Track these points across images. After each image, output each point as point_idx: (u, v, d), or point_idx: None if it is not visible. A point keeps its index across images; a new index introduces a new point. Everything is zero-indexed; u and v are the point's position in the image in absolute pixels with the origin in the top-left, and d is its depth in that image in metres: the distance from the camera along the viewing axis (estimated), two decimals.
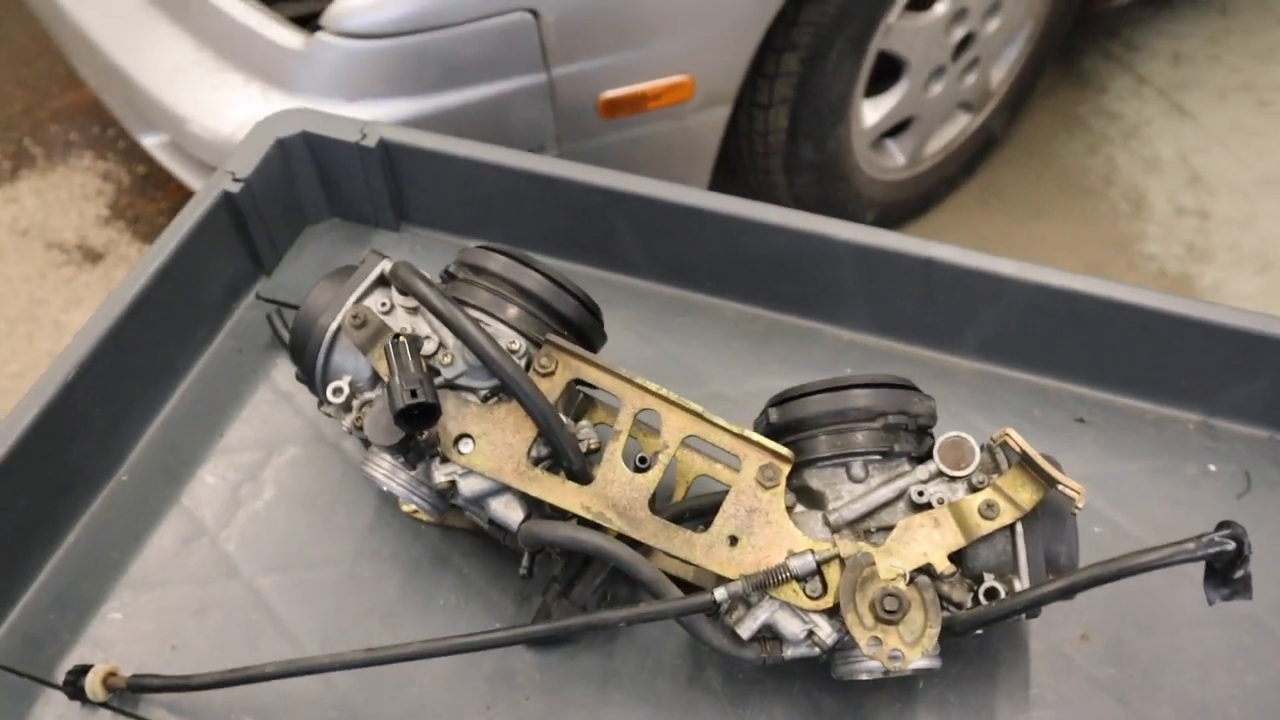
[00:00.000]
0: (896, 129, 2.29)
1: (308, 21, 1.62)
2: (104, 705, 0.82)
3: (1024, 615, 0.76)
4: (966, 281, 0.97)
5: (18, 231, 2.67)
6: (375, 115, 1.58)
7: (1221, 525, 0.70)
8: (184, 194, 2.01)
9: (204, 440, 0.97)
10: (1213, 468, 0.97)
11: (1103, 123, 2.74)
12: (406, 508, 0.91)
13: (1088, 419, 1.00)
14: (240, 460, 0.96)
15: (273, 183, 1.05)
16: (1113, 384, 1.01)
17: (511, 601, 0.88)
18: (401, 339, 0.76)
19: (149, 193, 2.70)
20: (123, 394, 0.95)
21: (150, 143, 2.06)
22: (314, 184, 1.09)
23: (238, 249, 1.04)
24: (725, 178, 2.13)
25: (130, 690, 0.81)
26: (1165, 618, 0.88)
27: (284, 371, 1.02)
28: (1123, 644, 0.87)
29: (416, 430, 0.74)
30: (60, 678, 0.83)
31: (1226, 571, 0.71)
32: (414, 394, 0.71)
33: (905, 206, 2.47)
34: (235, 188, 1.00)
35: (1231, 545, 0.69)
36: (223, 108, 1.61)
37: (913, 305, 1.01)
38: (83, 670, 0.82)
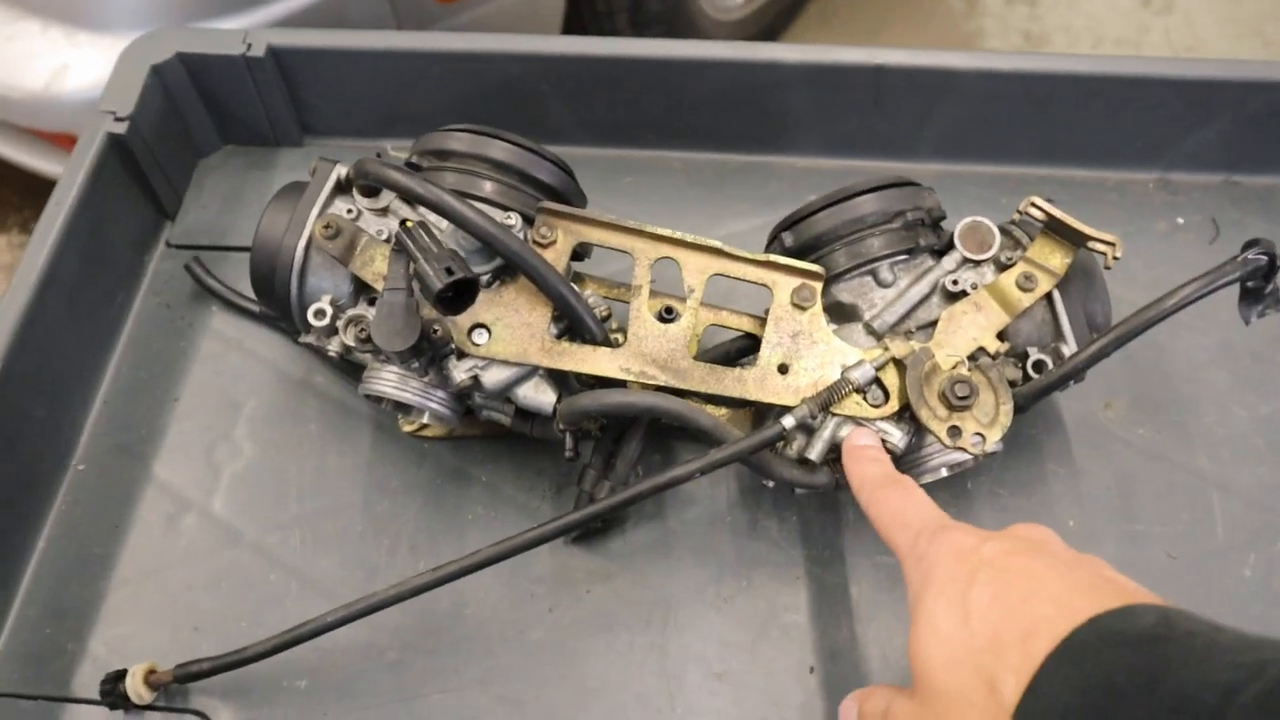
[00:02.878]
0: None
1: None
2: (149, 707, 0.79)
3: (1072, 380, 0.81)
4: (918, 82, 1.01)
5: None
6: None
7: (1249, 244, 0.77)
8: (27, 177, 1.84)
9: (158, 409, 0.93)
10: (1180, 220, 1.05)
11: None
12: (409, 427, 0.90)
13: (1053, 197, 1.06)
14: (205, 421, 0.93)
15: (159, 116, 0.99)
16: (1070, 158, 1.07)
17: (544, 500, 0.89)
18: (410, 222, 0.75)
19: None
20: (55, 377, 0.90)
21: None
22: (199, 110, 1.03)
23: (137, 196, 0.99)
24: None
25: (177, 682, 0.78)
26: (1174, 370, 0.96)
27: (223, 318, 0.98)
28: (1144, 404, 0.94)
29: (457, 312, 0.73)
30: (79, 691, 0.80)
31: (1259, 288, 0.78)
32: (450, 271, 0.70)
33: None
34: (120, 128, 0.95)
35: (1265, 259, 0.76)
36: (25, 62, 1.51)
37: (864, 118, 1.04)
38: (119, 676, 0.78)
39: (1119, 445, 0.91)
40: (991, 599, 0.57)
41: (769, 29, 2.58)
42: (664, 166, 1.07)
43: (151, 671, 0.79)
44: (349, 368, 0.89)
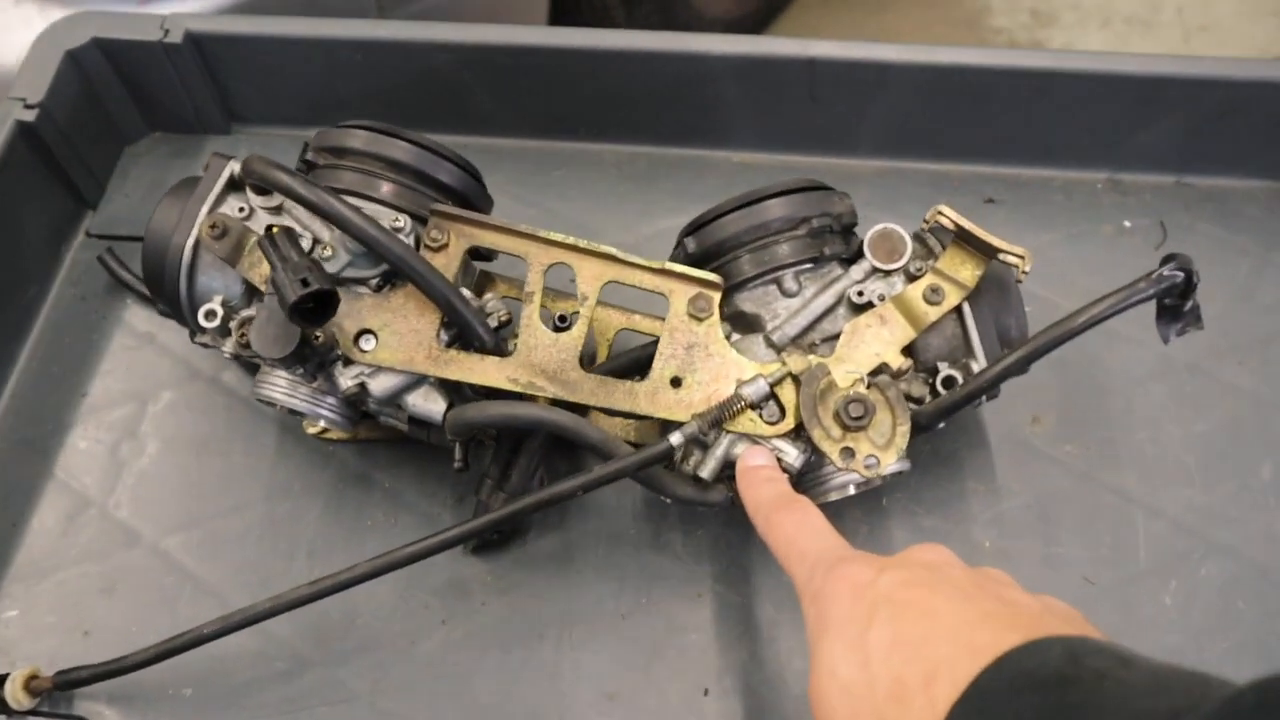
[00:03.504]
0: None
1: None
2: (31, 713, 0.77)
3: (984, 398, 0.77)
4: (853, 75, 0.96)
5: None
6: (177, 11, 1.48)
7: (1166, 260, 0.73)
8: None
9: (66, 403, 0.91)
10: (1127, 224, 1.00)
11: None
12: (312, 429, 0.88)
13: (997, 198, 1.02)
14: (112, 417, 0.91)
15: (75, 103, 0.97)
16: (1015, 157, 1.03)
17: (445, 508, 0.86)
18: (276, 229, 0.72)
19: None
20: None
21: None
22: (122, 97, 1.01)
23: (52, 186, 0.97)
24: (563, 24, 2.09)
25: (58, 689, 0.77)
26: (1108, 383, 0.91)
27: (138, 312, 0.96)
28: (1073, 419, 0.90)
29: (316, 325, 0.70)
30: None
31: (1177, 306, 0.74)
32: (305, 283, 0.67)
33: (749, 20, 2.49)
34: (30, 116, 0.92)
35: (1181, 276, 0.72)
36: None
37: (800, 112, 1.00)
38: None
39: (1044, 462, 0.87)
40: (891, 641, 0.53)
41: (768, 6, 2.51)
42: (595, 160, 1.04)
43: (33, 677, 0.77)
44: (254, 366, 0.86)
